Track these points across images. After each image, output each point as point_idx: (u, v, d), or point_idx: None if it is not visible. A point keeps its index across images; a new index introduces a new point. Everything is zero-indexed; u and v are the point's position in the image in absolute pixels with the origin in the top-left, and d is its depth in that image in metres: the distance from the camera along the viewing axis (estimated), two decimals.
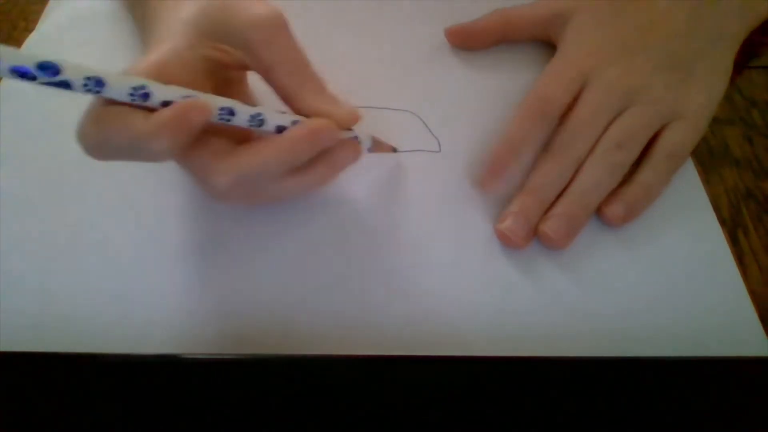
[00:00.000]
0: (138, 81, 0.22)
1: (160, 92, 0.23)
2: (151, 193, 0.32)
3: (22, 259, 0.30)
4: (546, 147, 0.32)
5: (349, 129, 0.28)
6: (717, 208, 0.32)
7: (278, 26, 0.26)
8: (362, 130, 0.29)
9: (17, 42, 0.39)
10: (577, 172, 0.31)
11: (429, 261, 0.30)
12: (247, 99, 0.26)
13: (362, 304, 0.28)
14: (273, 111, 0.26)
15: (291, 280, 0.29)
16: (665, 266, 0.30)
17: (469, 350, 0.27)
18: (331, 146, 0.27)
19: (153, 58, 0.25)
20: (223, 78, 0.28)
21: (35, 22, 0.40)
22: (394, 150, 0.33)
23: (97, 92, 0.22)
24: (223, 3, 0.26)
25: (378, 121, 0.35)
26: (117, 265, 0.30)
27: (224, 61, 0.27)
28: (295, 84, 0.26)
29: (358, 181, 0.33)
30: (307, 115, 0.26)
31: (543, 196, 0.31)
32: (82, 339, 0.28)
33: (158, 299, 0.29)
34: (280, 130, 0.26)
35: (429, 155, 0.34)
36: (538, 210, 0.30)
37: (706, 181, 0.32)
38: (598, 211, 0.31)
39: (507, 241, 0.30)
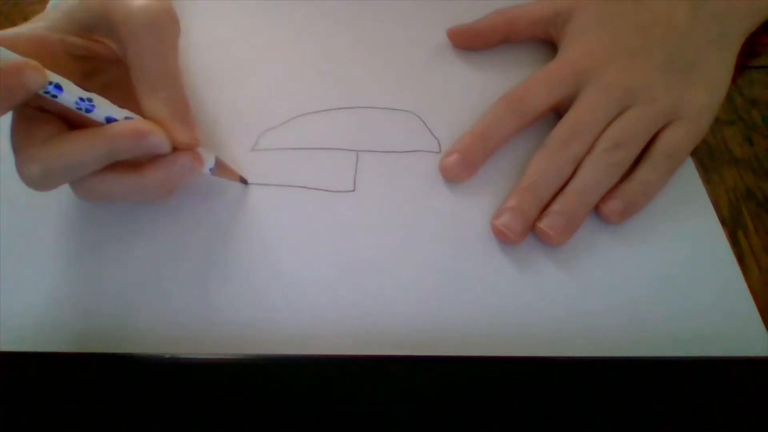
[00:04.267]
0: None
1: None
2: None
3: (22, 259, 0.30)
4: (544, 143, 0.32)
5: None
6: (717, 208, 0.32)
7: (153, 26, 0.26)
8: (206, 150, 0.28)
9: None
10: (575, 170, 0.31)
11: (427, 260, 0.30)
12: (133, 102, 0.26)
13: (361, 305, 0.28)
14: (109, 103, 0.25)
15: (284, 279, 0.29)
16: (666, 266, 0.30)
17: (466, 350, 0.27)
18: (167, 155, 0.26)
19: (4, 33, 0.24)
20: (103, 71, 0.28)
21: None
22: (244, 182, 0.32)
23: None
24: None
25: (378, 121, 0.35)
26: (117, 265, 0.30)
27: (97, 52, 0.27)
28: (148, 89, 0.26)
29: (356, 178, 0.33)
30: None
31: (539, 192, 0.30)
32: (82, 339, 0.27)
33: (156, 300, 0.29)
34: (111, 123, 0.25)
35: (429, 155, 0.34)
36: (534, 206, 0.30)
37: (706, 181, 0.32)
38: (596, 208, 0.31)
39: (503, 237, 0.30)
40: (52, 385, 0.25)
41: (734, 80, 0.34)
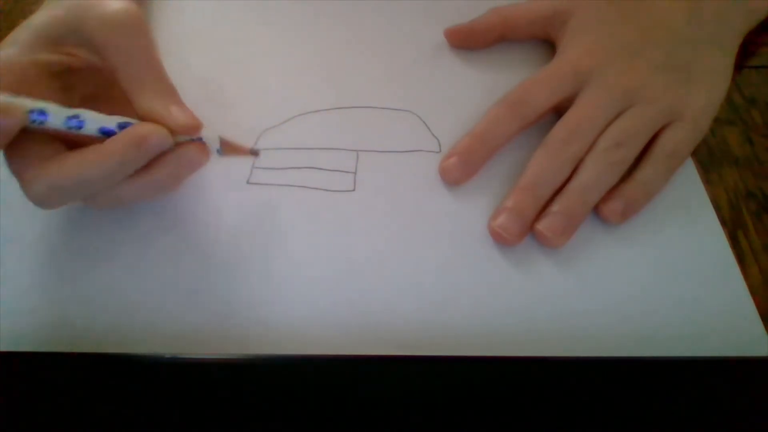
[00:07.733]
0: None
1: None
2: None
3: (22, 259, 0.30)
4: (543, 143, 0.32)
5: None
6: (717, 208, 0.32)
7: (127, 26, 0.26)
8: (209, 132, 0.28)
9: None
10: (575, 170, 0.31)
11: (427, 260, 0.30)
12: (119, 107, 0.25)
13: (361, 305, 0.28)
14: (97, 113, 0.25)
15: (283, 278, 0.29)
16: (666, 266, 0.30)
17: (465, 350, 0.27)
18: (172, 150, 0.26)
19: None
20: (83, 82, 0.28)
21: None
22: (255, 153, 0.30)
23: None
24: (78, 6, 0.26)
25: (378, 121, 0.35)
26: (116, 265, 0.30)
27: (72, 65, 0.27)
28: (137, 86, 0.26)
29: (356, 178, 0.33)
30: (145, 119, 0.26)
31: (538, 192, 0.30)
32: (83, 339, 0.28)
33: (156, 300, 0.29)
34: (106, 133, 0.25)
35: (429, 155, 0.34)
36: (532, 206, 0.30)
37: (706, 181, 0.32)
38: (596, 209, 0.31)
39: (500, 239, 0.30)
40: (52, 385, 0.25)
41: (732, 80, 0.34)
